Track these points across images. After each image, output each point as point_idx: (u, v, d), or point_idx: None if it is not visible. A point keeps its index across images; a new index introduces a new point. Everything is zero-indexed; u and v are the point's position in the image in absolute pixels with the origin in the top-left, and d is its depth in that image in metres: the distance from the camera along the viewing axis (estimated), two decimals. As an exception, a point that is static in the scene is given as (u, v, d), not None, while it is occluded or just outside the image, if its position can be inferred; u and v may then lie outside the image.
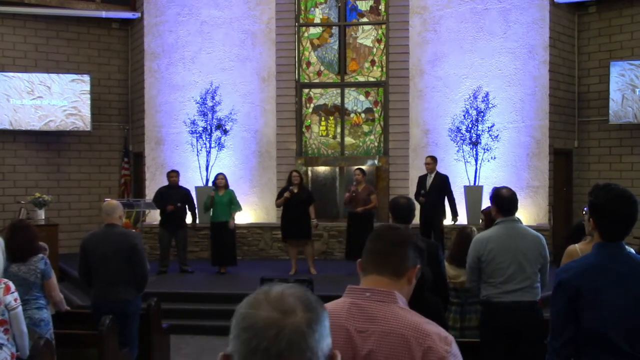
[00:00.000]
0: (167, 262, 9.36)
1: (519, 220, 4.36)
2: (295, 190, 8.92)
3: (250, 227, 10.73)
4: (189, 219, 9.56)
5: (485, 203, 9.38)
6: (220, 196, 9.15)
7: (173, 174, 9.48)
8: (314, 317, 1.14)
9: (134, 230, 7.67)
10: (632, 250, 2.73)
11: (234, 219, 9.22)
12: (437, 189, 9.20)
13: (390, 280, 1.84)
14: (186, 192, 9.51)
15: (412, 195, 8.86)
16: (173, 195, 9.24)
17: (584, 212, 3.52)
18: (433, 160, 9.37)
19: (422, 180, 9.35)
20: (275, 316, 1.11)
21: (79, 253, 5.22)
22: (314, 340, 1.12)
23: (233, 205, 9.21)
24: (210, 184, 10.61)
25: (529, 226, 4.77)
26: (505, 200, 4.26)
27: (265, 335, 1.09)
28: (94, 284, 5.15)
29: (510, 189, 4.31)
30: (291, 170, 9.55)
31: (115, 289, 5.02)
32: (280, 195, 9.18)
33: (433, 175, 9.28)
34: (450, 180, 9.42)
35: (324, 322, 1.16)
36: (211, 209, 9.16)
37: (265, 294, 1.16)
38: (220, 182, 9.24)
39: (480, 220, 5.69)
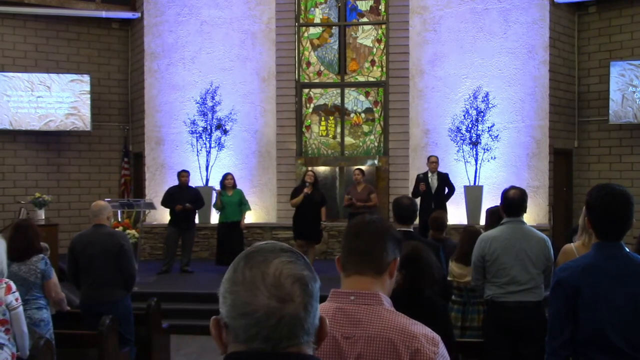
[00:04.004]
0: (171, 262, 9.32)
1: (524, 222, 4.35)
2: (310, 191, 8.75)
3: (250, 227, 10.69)
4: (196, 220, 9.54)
5: (485, 203, 9.43)
6: (229, 196, 9.13)
7: (184, 174, 9.41)
8: (309, 300, 1.15)
9: (121, 230, 7.63)
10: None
11: (244, 218, 9.21)
12: (442, 188, 9.22)
13: (373, 278, 1.82)
14: (196, 192, 9.47)
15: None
16: (183, 196, 9.21)
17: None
18: (437, 159, 9.39)
19: (423, 179, 9.28)
20: (275, 305, 1.11)
21: (67, 254, 5.19)
22: (309, 323, 1.14)
23: (243, 205, 9.19)
24: (209, 184, 10.62)
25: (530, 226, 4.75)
26: (510, 201, 4.24)
27: (265, 325, 1.11)
28: (82, 285, 5.13)
29: (518, 190, 4.25)
30: (306, 170, 9.52)
31: (103, 290, 5.00)
32: (294, 194, 9.02)
33: (435, 174, 9.28)
34: (451, 180, 9.44)
35: (317, 296, 1.18)
36: (221, 209, 9.14)
37: (262, 275, 1.13)
38: (229, 183, 9.22)
39: (482, 221, 5.69)
